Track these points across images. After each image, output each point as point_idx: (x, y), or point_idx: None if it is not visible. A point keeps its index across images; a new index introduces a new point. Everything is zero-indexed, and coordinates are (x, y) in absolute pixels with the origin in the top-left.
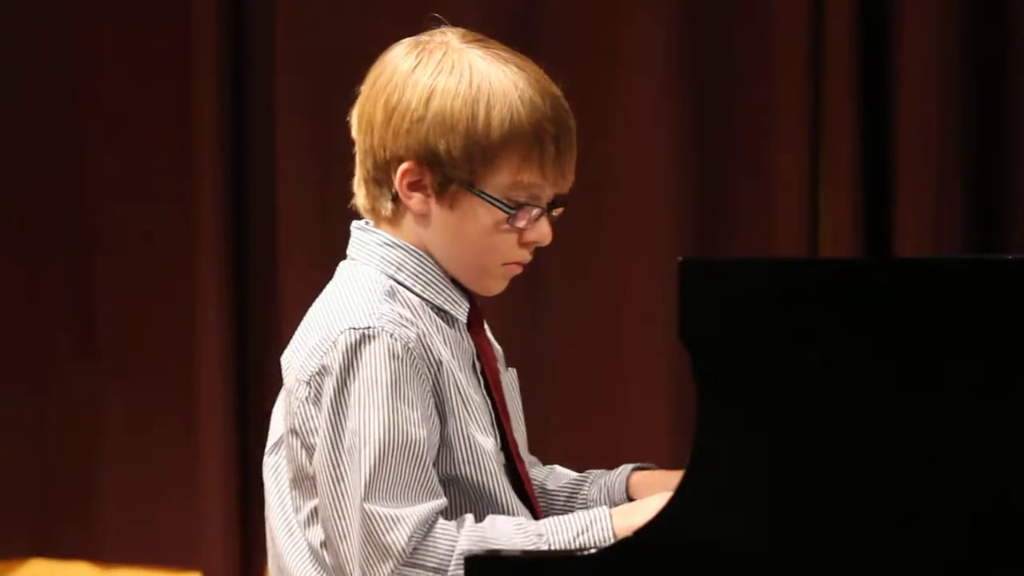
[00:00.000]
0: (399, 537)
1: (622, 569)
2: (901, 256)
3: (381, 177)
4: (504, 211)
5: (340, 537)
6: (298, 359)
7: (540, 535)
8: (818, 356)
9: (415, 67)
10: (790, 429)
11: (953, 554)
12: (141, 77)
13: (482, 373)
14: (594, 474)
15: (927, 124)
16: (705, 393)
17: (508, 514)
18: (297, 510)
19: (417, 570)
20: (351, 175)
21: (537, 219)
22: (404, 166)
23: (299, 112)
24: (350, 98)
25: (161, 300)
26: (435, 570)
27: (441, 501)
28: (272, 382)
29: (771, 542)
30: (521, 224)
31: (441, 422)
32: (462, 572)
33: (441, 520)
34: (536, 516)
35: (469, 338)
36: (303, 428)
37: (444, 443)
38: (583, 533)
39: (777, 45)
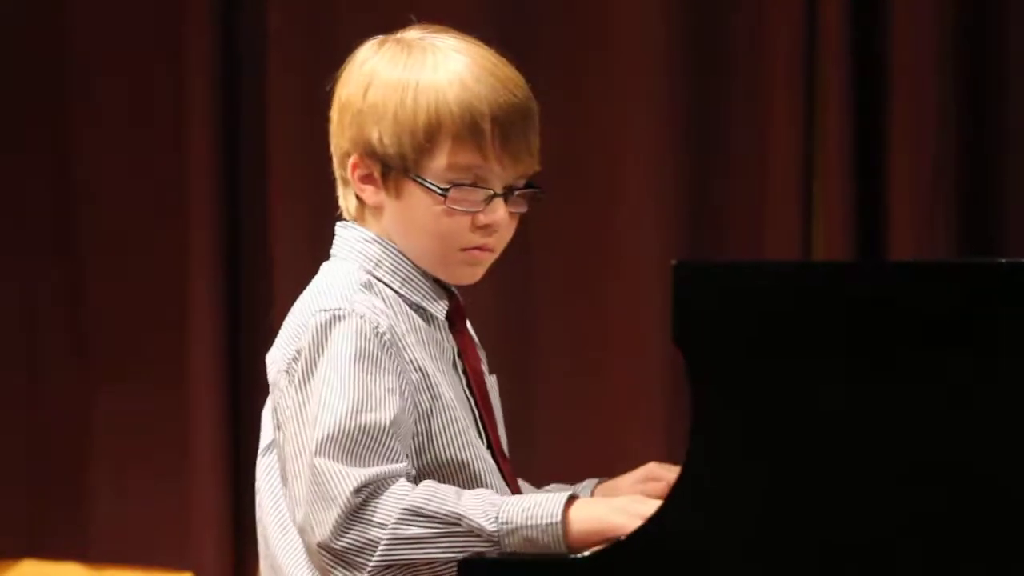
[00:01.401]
0: (344, 488)
1: (618, 571)
2: (894, 259)
3: (344, 174)
4: (437, 193)
5: (294, 493)
6: (278, 352)
7: (494, 504)
8: (812, 358)
9: (365, 62)
10: (784, 431)
11: (951, 552)
12: (133, 77)
13: (463, 372)
14: (554, 488)
15: (921, 127)
16: (699, 395)
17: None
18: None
19: (361, 525)
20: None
21: (488, 202)
22: (352, 160)
23: (292, 112)
24: None
25: (153, 301)
26: (378, 525)
27: (402, 466)
28: (265, 383)
29: (768, 543)
30: (459, 206)
31: (419, 414)
32: (406, 528)
33: (401, 481)
34: None
35: (450, 336)
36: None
37: (426, 434)
38: (534, 507)
39: (770, 44)
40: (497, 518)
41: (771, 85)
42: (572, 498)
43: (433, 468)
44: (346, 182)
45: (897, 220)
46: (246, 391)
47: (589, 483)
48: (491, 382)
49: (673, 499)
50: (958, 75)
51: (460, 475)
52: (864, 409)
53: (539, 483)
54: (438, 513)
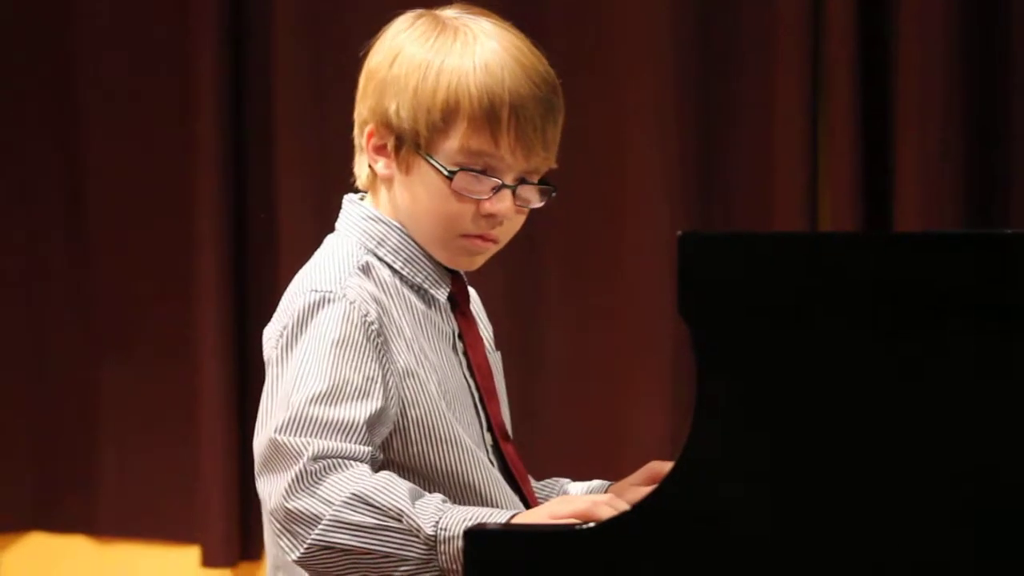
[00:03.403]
0: (303, 453)
1: (622, 541)
2: (901, 229)
3: (360, 142)
4: (443, 174)
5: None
6: (270, 328)
7: (440, 509)
8: (817, 329)
9: (397, 34)
10: (789, 402)
11: (953, 536)
12: (139, 52)
13: (464, 354)
14: (551, 482)
15: (927, 96)
16: (704, 366)
17: (489, 503)
18: None
19: (311, 495)
20: (349, 152)
21: (496, 191)
22: (368, 128)
23: (298, 87)
24: (349, 78)
25: (160, 274)
26: (325, 501)
27: (367, 449)
28: None
29: (770, 517)
30: (464, 191)
31: (405, 406)
32: (349, 513)
33: (362, 465)
34: (526, 497)
35: (451, 318)
36: None
37: (410, 431)
38: (476, 519)
39: (778, 21)
40: (438, 523)
41: (778, 61)
42: (514, 516)
43: (404, 467)
44: (361, 150)
45: (903, 196)
46: (253, 364)
47: (599, 485)
48: (495, 359)
49: (677, 470)
50: (965, 54)
51: (437, 477)
52: (869, 380)
53: (543, 470)
54: (383, 505)
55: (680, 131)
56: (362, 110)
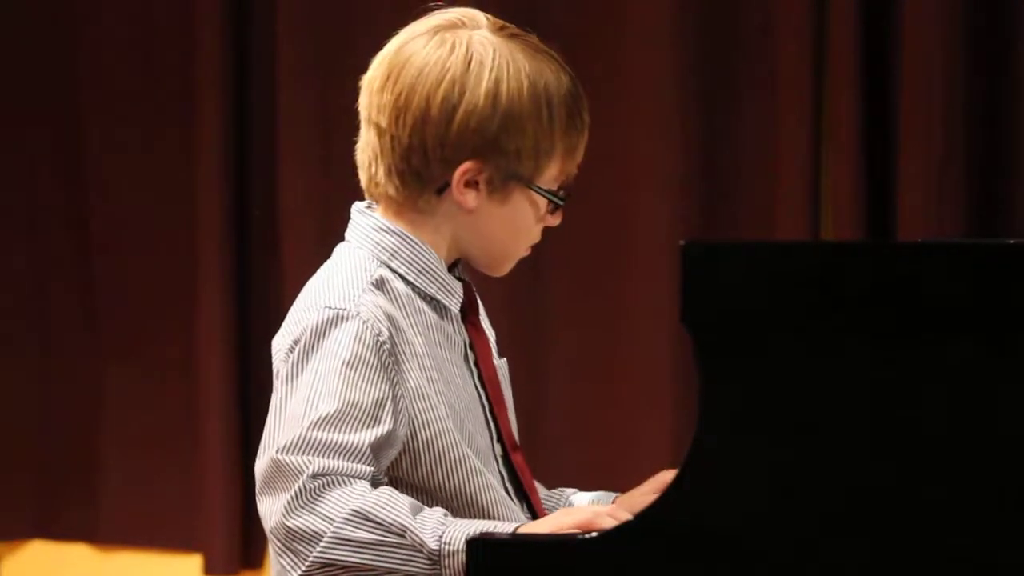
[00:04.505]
0: (303, 471)
1: (625, 550)
2: (904, 239)
3: (428, 173)
4: (557, 204)
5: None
6: (280, 339)
7: (442, 523)
8: (820, 338)
9: (468, 62)
10: (792, 412)
11: (957, 540)
12: (143, 54)
13: (475, 364)
14: (566, 493)
15: (930, 104)
16: (708, 375)
17: (497, 519)
18: None
19: (311, 512)
20: (353, 155)
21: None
22: (466, 165)
23: (302, 90)
24: (352, 79)
25: (162, 279)
26: (326, 518)
27: (368, 469)
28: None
29: (772, 525)
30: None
31: (414, 426)
32: (350, 530)
33: (362, 482)
34: (533, 507)
35: (462, 329)
36: None
37: (419, 451)
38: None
39: (781, 27)
40: (441, 537)
41: (781, 69)
42: (518, 528)
43: (413, 486)
44: (421, 178)
45: (905, 205)
46: (256, 373)
47: (604, 496)
48: (501, 365)
49: (680, 479)
50: (968, 61)
51: (445, 496)
52: (871, 389)
53: (547, 475)
54: (385, 521)
55: (683, 137)
56: (457, 144)
